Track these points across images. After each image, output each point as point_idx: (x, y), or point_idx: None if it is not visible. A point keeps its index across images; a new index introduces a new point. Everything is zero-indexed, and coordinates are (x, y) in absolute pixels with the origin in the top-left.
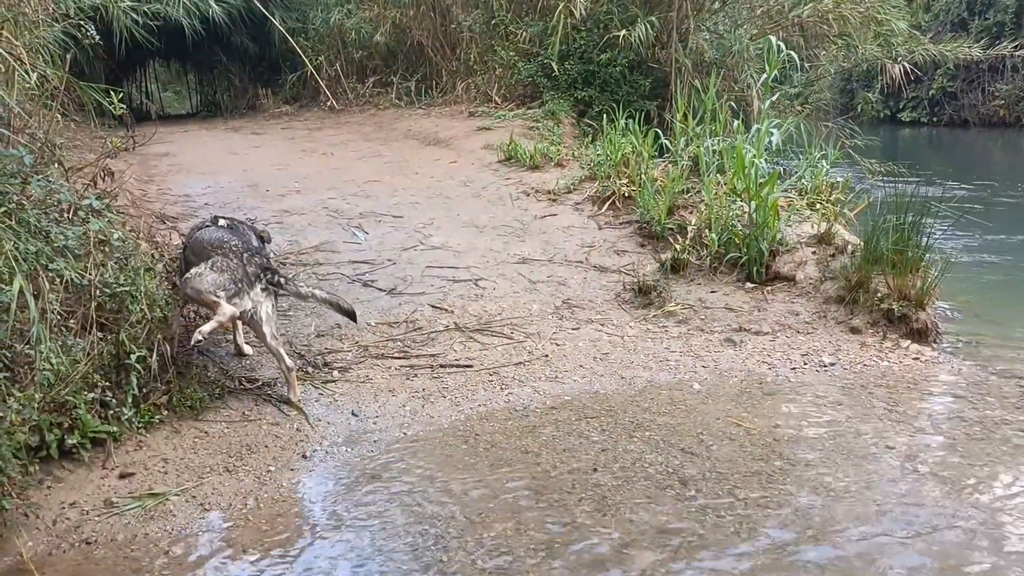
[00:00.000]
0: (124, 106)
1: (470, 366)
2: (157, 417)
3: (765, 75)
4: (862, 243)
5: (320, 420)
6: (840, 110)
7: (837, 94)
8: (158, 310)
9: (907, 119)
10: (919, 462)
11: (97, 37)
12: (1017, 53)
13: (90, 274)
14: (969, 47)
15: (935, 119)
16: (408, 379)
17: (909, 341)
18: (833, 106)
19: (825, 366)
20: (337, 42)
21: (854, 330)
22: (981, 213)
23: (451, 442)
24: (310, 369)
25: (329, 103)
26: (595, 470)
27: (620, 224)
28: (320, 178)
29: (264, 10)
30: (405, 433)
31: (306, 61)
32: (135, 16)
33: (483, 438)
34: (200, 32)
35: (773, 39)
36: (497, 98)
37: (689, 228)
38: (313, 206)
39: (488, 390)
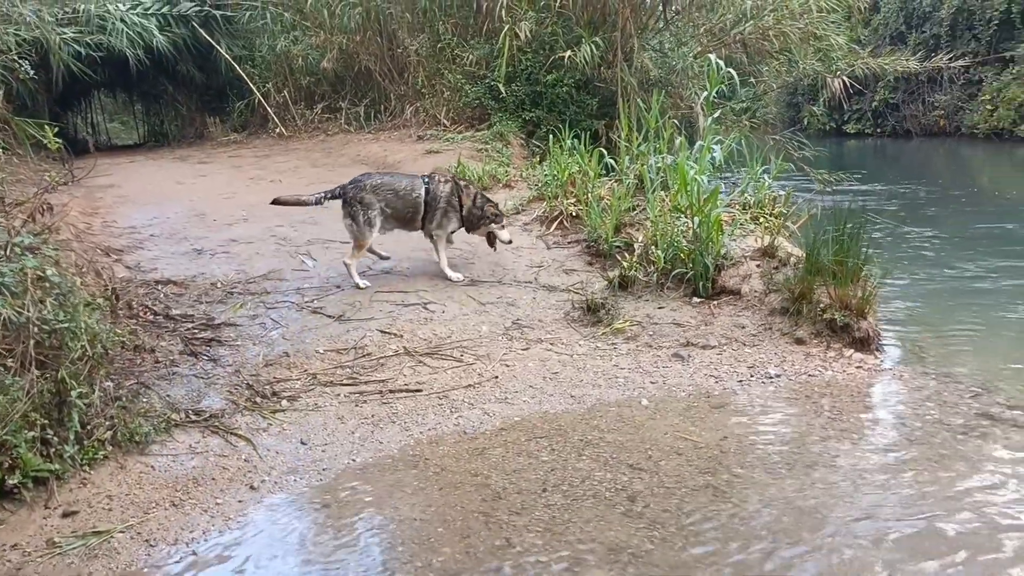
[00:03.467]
0: (60, 140)
1: (420, 390)
2: (101, 453)
3: (706, 92)
4: (804, 255)
5: (269, 450)
6: (787, 124)
7: (784, 108)
8: (99, 346)
9: (852, 131)
10: (863, 470)
11: (31, 72)
12: (953, 65)
13: (28, 311)
14: (907, 60)
15: (879, 130)
16: (357, 406)
17: (852, 350)
18: (780, 120)
19: (771, 378)
20: (284, 69)
21: (799, 341)
22: (922, 219)
23: (400, 468)
24: (258, 399)
25: (278, 130)
26: (544, 490)
27: (568, 243)
28: (268, 206)
29: (210, 39)
30: (354, 460)
31: (253, 88)
32: (78, 47)
33: (433, 462)
34: (145, 62)
35: (713, 57)
36: (445, 121)
37: (636, 245)
38: (261, 234)
39: (438, 414)
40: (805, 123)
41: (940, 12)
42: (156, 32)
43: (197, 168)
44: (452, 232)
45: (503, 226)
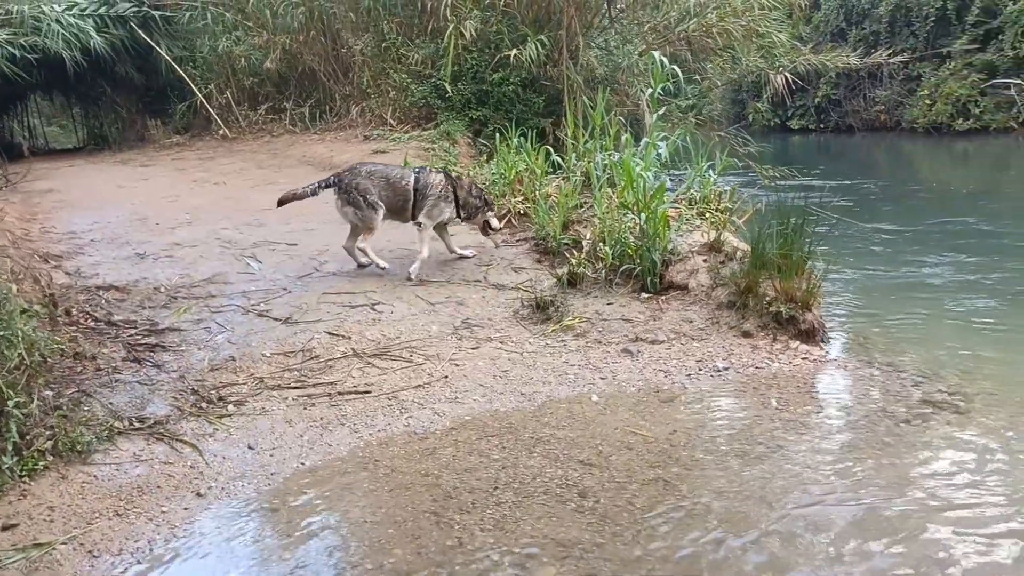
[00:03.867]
0: None
1: (369, 392)
2: (42, 464)
3: (651, 89)
4: (750, 249)
5: (215, 456)
6: (732, 120)
7: (729, 105)
8: (37, 354)
9: (796, 126)
10: (810, 459)
11: None
12: (892, 61)
13: None
14: (848, 57)
15: (822, 125)
16: (306, 409)
17: (798, 342)
18: (726, 116)
19: (719, 371)
20: (227, 69)
21: (746, 334)
22: (866, 213)
23: (350, 470)
24: (204, 404)
25: (221, 132)
26: (496, 488)
27: (516, 241)
28: (212, 208)
29: (149, 40)
30: (303, 464)
31: (195, 90)
32: (12, 49)
33: (383, 463)
34: (82, 64)
35: (657, 54)
36: (392, 121)
37: (584, 242)
38: (205, 237)
39: (387, 415)
40: (750, 119)
41: (879, 9)
42: (93, 33)
43: (139, 171)
44: (445, 222)
45: (496, 215)
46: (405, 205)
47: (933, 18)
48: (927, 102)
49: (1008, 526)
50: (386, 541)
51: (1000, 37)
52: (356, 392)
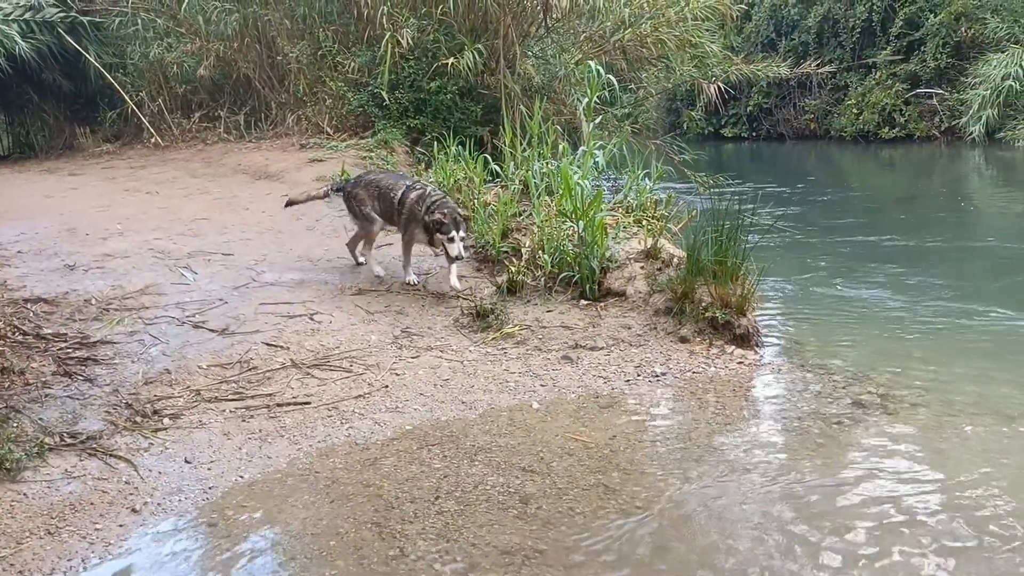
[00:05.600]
0: None
1: (308, 403)
2: None
3: (587, 98)
4: (686, 255)
5: (151, 471)
6: (668, 128)
7: (664, 114)
8: None
9: (729, 135)
10: (746, 461)
11: None
12: (821, 71)
13: None
14: (778, 66)
15: (754, 134)
16: (244, 421)
17: (733, 346)
18: (661, 125)
19: (657, 376)
20: (159, 76)
21: (683, 339)
22: (798, 219)
23: (290, 482)
24: (139, 418)
25: (153, 140)
26: (438, 497)
27: None
28: (144, 218)
29: (77, 46)
30: (242, 477)
31: (126, 97)
32: None
33: (323, 475)
34: (7, 70)
35: (593, 63)
36: (329, 129)
37: (523, 250)
38: (137, 248)
39: (328, 426)
40: (685, 128)
41: (807, 20)
42: (18, 39)
43: (68, 180)
44: (423, 244)
45: (452, 238)
46: (395, 218)
47: (859, 30)
48: (854, 111)
49: (936, 519)
50: (328, 553)
51: (922, 48)
52: (295, 403)
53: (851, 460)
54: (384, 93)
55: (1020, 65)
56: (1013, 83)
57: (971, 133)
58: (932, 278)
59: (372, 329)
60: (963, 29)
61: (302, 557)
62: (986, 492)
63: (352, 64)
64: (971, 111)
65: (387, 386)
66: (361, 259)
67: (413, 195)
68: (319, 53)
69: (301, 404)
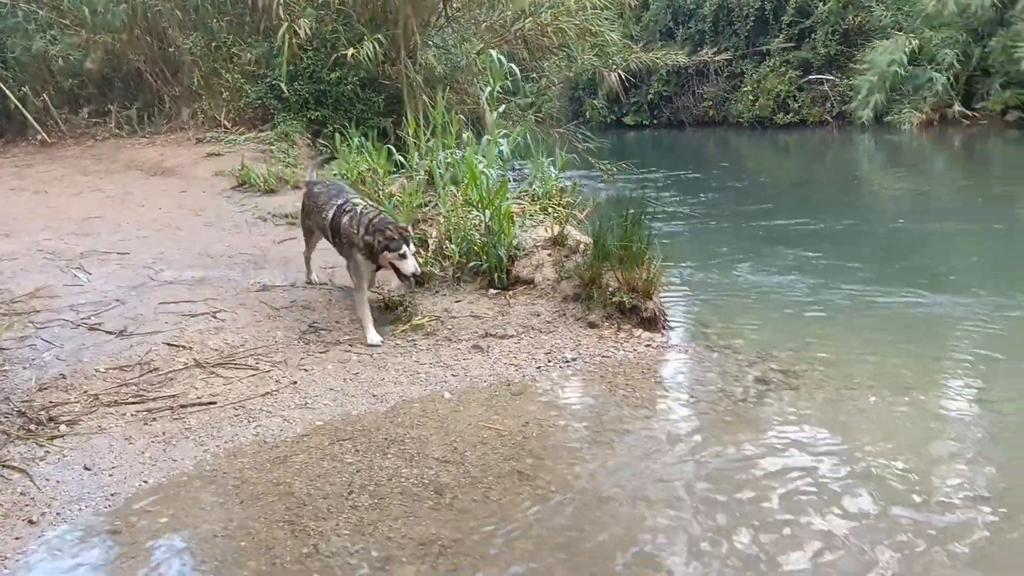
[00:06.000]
0: None
1: (214, 403)
2: None
3: (490, 87)
4: (592, 242)
5: (48, 480)
6: (571, 117)
7: (567, 102)
8: None
9: (631, 122)
10: (657, 441)
11: None
12: (717, 58)
13: None
14: (676, 55)
15: (655, 121)
16: (146, 424)
17: (641, 330)
18: (564, 114)
19: (568, 361)
20: (43, 71)
21: (592, 324)
22: (700, 204)
23: (197, 484)
24: (33, 426)
25: (39, 137)
26: (351, 492)
27: None
28: (33, 218)
29: None
30: (146, 482)
31: (8, 93)
32: None
33: (232, 475)
34: None
35: (494, 53)
36: (226, 123)
37: (430, 241)
38: (26, 249)
39: (235, 425)
40: (588, 116)
41: (703, 9)
42: None
43: None
44: (372, 272)
45: (403, 254)
46: (329, 237)
47: (752, 18)
48: (750, 98)
49: (842, 485)
50: (238, 554)
51: (812, 36)
52: (200, 404)
53: (759, 435)
54: (283, 85)
55: (904, 51)
56: (898, 69)
57: (861, 118)
58: (830, 260)
59: (278, 325)
60: (851, 17)
61: (212, 560)
62: (887, 459)
63: (248, 55)
64: (860, 96)
65: (295, 382)
66: (314, 277)
67: (345, 219)
68: (213, 44)
69: (206, 404)
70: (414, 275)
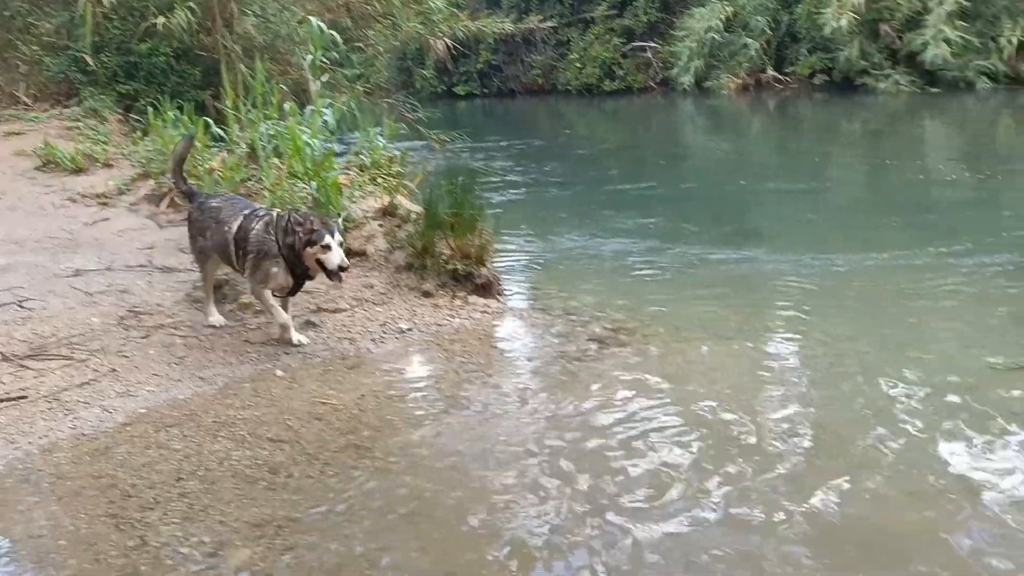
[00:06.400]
0: None
1: (24, 397)
2: None
3: (311, 56)
4: (423, 211)
5: None
6: (400, 87)
7: (396, 72)
8: None
9: (462, 92)
10: (495, 405)
11: None
12: (543, 26)
13: None
14: (502, 23)
15: (486, 90)
16: None
17: (476, 297)
18: (394, 84)
19: (403, 332)
20: None
21: (426, 294)
22: (533, 171)
23: (9, 485)
24: None
25: None
26: (179, 479)
27: (183, 221)
28: None
29: None
30: None
31: None
32: None
33: (48, 472)
34: None
35: (315, 20)
36: (26, 99)
37: None
38: None
39: (49, 419)
40: (418, 87)
41: None
42: None
43: None
44: (287, 285)
45: (327, 245)
46: (232, 258)
47: None
48: (577, 65)
49: (676, 427)
50: (58, 554)
51: (634, 3)
52: (8, 399)
53: (595, 390)
54: (88, 57)
55: (719, 19)
56: (715, 35)
57: (682, 83)
58: (661, 222)
59: (94, 312)
60: None
61: (28, 563)
62: (714, 402)
63: (47, 25)
64: (681, 63)
65: (115, 370)
66: (216, 321)
67: (258, 225)
68: (6, 14)
69: (15, 399)
70: (341, 268)
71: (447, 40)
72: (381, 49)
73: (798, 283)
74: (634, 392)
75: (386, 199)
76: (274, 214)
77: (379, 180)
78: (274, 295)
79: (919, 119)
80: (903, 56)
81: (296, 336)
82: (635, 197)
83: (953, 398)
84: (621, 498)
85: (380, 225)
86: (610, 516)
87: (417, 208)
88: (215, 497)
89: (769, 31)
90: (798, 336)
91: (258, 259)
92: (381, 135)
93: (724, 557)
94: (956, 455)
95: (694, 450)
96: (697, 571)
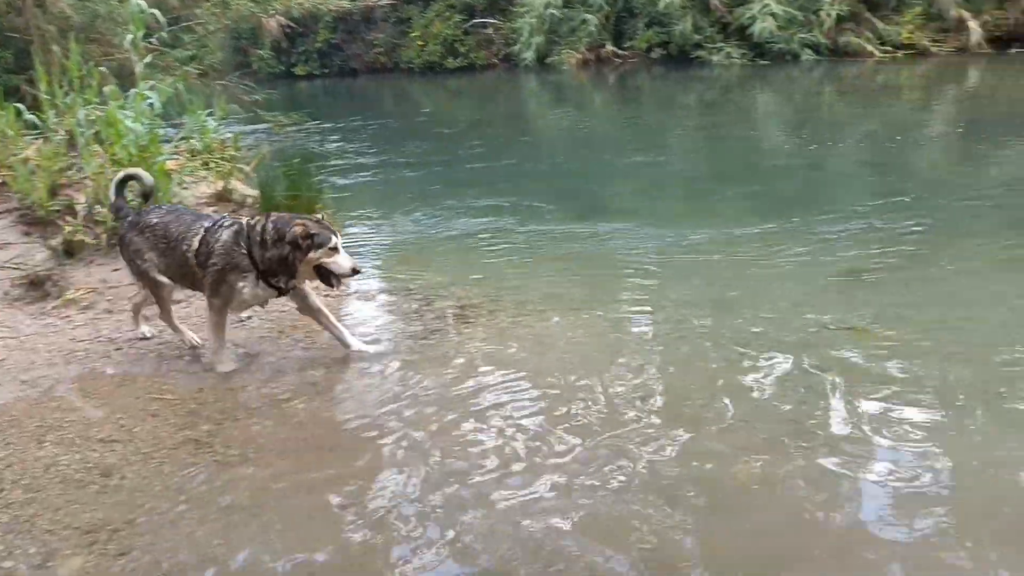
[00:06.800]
0: None
1: None
2: None
3: (132, 36)
4: (259, 194)
5: None
6: (236, 68)
7: (231, 53)
8: None
9: (302, 72)
10: (341, 388)
11: None
12: (382, 4)
13: None
14: (339, 0)
15: (326, 70)
16: None
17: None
18: (229, 65)
19: (241, 321)
20: None
21: None
22: (379, 151)
23: None
24: None
25: None
26: (1, 490)
27: None
28: None
29: None
30: None
31: None
32: None
33: None
34: None
35: None
36: None
37: (78, 207)
38: None
39: None
40: (256, 68)
41: None
42: None
43: None
44: (253, 303)
45: (335, 247)
46: (191, 277)
47: None
48: (419, 43)
49: (528, 394)
50: None
51: None
52: None
53: (445, 366)
54: None
55: None
56: (555, 11)
57: (525, 60)
58: (508, 199)
59: None
60: None
61: None
62: (562, 370)
63: None
64: (522, 39)
65: None
66: (145, 329)
67: (224, 235)
68: None
69: None
70: (355, 271)
71: (281, 18)
72: (211, 29)
73: (643, 254)
74: (484, 366)
75: (220, 184)
76: (243, 223)
77: (211, 165)
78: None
79: (750, 90)
80: (734, 30)
81: (226, 366)
82: (485, 175)
83: (787, 356)
84: (474, 470)
85: (215, 211)
86: (462, 489)
87: (253, 192)
88: (42, 505)
89: (607, 6)
90: (642, 304)
91: (222, 273)
92: (212, 117)
93: (577, 520)
94: (789, 409)
95: (543, 418)
96: (548, 535)
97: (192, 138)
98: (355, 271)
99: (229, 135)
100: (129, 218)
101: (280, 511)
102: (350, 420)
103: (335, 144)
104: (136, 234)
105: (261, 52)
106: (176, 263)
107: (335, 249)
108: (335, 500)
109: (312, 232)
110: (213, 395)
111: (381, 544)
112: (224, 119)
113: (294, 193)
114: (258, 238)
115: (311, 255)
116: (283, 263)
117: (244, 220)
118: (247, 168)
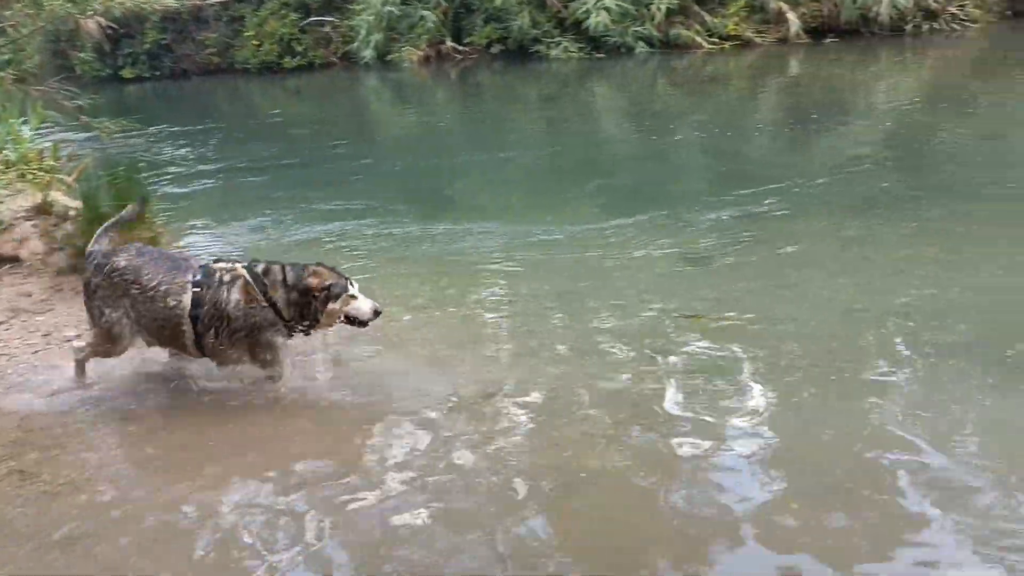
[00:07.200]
0: None
1: None
2: None
3: None
4: (83, 204)
5: None
6: (57, 73)
7: (50, 57)
8: None
9: (130, 75)
10: (177, 403)
11: None
12: (212, 2)
13: None
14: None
15: (157, 73)
16: None
17: None
18: (49, 70)
19: (70, 340)
20: None
21: None
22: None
23: None
24: None
25: None
26: None
27: None
28: None
29: None
30: None
31: None
32: None
33: None
34: None
35: None
36: None
37: None
38: None
39: None
40: (78, 71)
41: None
42: None
43: None
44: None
45: (354, 295)
46: (177, 336)
47: None
48: (254, 43)
49: (360, 400)
50: None
51: None
52: None
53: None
54: None
55: None
56: (392, 8)
57: (364, 57)
58: (355, 201)
59: None
60: None
61: None
62: (411, 369)
63: None
64: (361, 36)
65: None
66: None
67: (236, 295)
68: None
69: None
70: (377, 312)
71: (100, 19)
72: (23, 31)
73: (492, 251)
74: (333, 367)
75: (39, 196)
76: (243, 274)
77: (28, 176)
78: None
79: (588, 83)
80: (570, 24)
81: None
82: (332, 177)
83: (633, 344)
84: (321, 475)
85: (34, 226)
86: (310, 494)
87: (77, 203)
88: None
89: (445, 2)
90: (491, 300)
91: (257, 334)
92: (27, 125)
93: (428, 516)
94: (635, 394)
95: (391, 416)
96: (400, 531)
97: (5, 148)
98: (377, 313)
99: (48, 144)
100: (96, 258)
101: (105, 544)
102: (188, 439)
103: (171, 150)
104: (101, 278)
105: (83, 55)
106: (157, 320)
107: (354, 296)
108: (179, 519)
109: (328, 284)
110: (42, 422)
111: (234, 557)
112: (40, 127)
113: (121, 203)
114: (279, 287)
115: (330, 306)
116: (306, 313)
117: (240, 267)
118: (68, 179)
